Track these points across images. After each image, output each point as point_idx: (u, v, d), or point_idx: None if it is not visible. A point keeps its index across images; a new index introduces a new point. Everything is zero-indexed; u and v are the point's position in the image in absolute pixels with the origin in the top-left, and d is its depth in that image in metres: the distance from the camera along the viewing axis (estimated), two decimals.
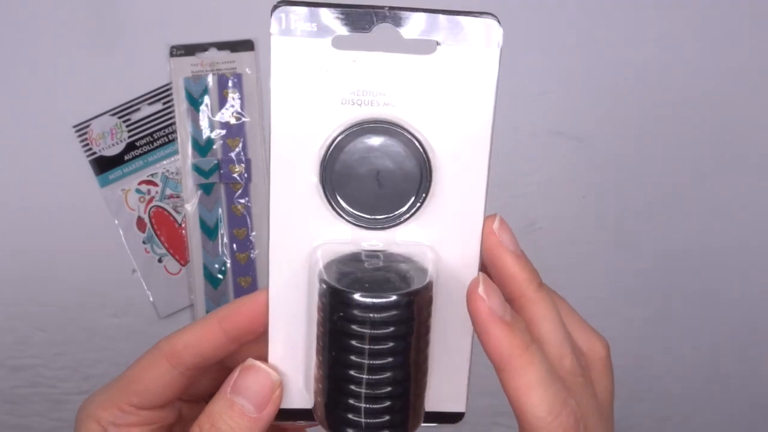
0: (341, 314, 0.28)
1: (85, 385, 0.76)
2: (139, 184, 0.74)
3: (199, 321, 0.33)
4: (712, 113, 0.77)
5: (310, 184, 0.31)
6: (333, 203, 0.31)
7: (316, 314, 0.30)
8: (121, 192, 0.74)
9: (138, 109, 0.73)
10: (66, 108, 0.72)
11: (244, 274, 0.75)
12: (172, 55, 0.72)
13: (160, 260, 0.75)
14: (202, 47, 0.72)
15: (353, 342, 0.28)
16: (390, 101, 0.30)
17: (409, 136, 0.30)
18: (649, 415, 0.83)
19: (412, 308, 0.29)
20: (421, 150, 0.30)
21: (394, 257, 0.31)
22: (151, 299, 0.75)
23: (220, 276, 0.75)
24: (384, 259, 0.31)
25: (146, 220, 0.74)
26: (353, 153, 0.30)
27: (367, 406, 0.29)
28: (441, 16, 0.30)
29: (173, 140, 0.73)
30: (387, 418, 0.29)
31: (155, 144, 0.74)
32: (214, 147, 0.73)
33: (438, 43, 0.30)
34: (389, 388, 0.29)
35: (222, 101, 0.73)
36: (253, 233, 0.74)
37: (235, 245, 0.75)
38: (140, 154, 0.73)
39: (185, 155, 0.73)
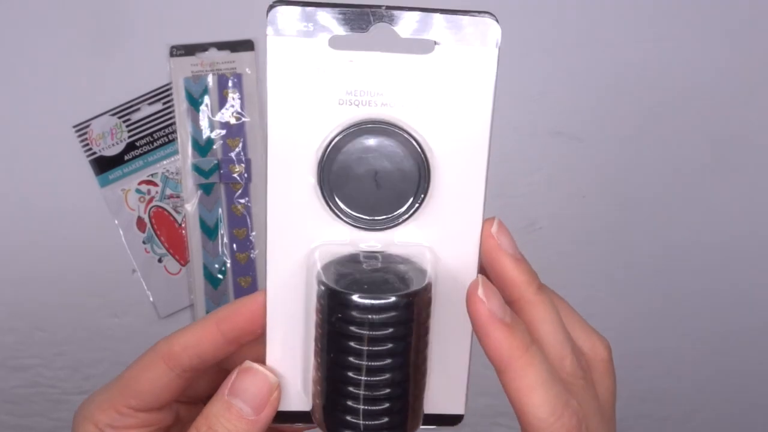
0: (340, 316, 0.28)
1: (85, 385, 0.76)
2: (139, 184, 0.74)
3: (198, 322, 0.33)
4: (711, 113, 0.77)
5: (307, 185, 0.30)
6: (331, 204, 0.30)
7: (314, 316, 0.30)
8: (121, 192, 0.74)
9: (138, 109, 0.73)
10: (66, 108, 0.72)
11: (244, 274, 0.75)
12: (172, 55, 0.72)
13: (160, 260, 0.75)
14: (202, 47, 0.72)
15: (352, 343, 0.28)
16: (388, 101, 0.30)
17: (408, 137, 0.30)
18: (649, 415, 0.83)
19: (411, 309, 0.28)
20: (420, 150, 0.30)
21: (392, 258, 0.31)
22: (151, 299, 0.75)
23: (220, 276, 0.75)
24: (382, 260, 0.31)
25: (146, 220, 0.74)
26: (351, 154, 0.30)
27: (366, 407, 0.29)
28: (439, 16, 0.29)
29: (173, 140, 0.73)
30: (386, 419, 0.29)
31: (155, 144, 0.73)
32: (214, 147, 0.73)
33: (436, 43, 0.30)
34: (388, 390, 0.29)
35: (222, 101, 0.73)
36: (253, 233, 0.74)
37: (235, 245, 0.75)
38: (140, 154, 0.73)
39: (185, 155, 0.73)
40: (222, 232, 0.74)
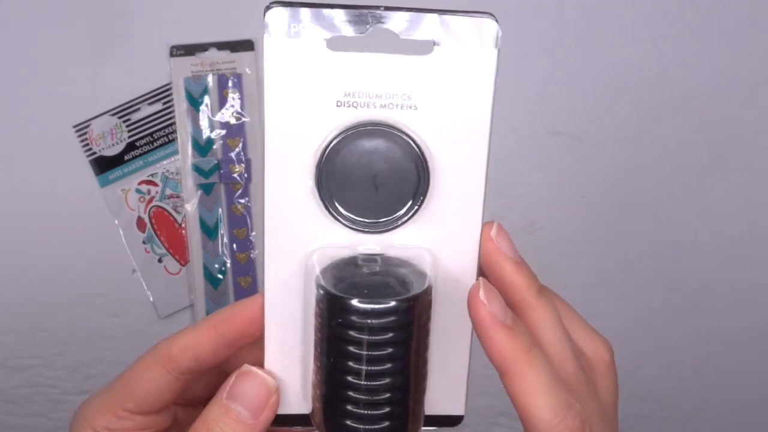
0: (339, 320, 0.28)
1: (85, 385, 0.76)
2: (139, 184, 0.74)
3: (196, 325, 0.33)
4: (710, 113, 0.77)
5: (305, 188, 0.30)
6: (329, 207, 0.30)
7: (313, 319, 0.30)
8: (121, 192, 0.74)
9: (138, 109, 0.73)
10: (66, 108, 0.72)
11: (244, 274, 0.75)
12: (172, 55, 0.72)
13: (160, 260, 0.75)
14: (202, 47, 0.72)
15: (351, 348, 0.28)
16: (386, 103, 0.30)
17: (406, 139, 0.30)
18: (649, 415, 0.83)
19: (411, 313, 0.28)
20: (419, 152, 0.30)
21: (391, 261, 0.31)
22: (151, 299, 0.75)
23: (220, 276, 0.75)
24: (382, 263, 0.30)
25: (146, 220, 0.74)
26: (349, 156, 0.30)
27: (366, 412, 0.29)
28: (438, 16, 0.29)
29: (173, 140, 0.73)
30: (386, 424, 0.29)
31: (155, 144, 0.73)
32: (214, 147, 0.73)
33: (435, 44, 0.29)
34: (388, 394, 0.29)
35: (222, 101, 0.73)
36: (253, 233, 0.74)
37: (235, 245, 0.75)
38: (140, 154, 0.73)
39: (185, 155, 0.73)
40: (222, 232, 0.74)
